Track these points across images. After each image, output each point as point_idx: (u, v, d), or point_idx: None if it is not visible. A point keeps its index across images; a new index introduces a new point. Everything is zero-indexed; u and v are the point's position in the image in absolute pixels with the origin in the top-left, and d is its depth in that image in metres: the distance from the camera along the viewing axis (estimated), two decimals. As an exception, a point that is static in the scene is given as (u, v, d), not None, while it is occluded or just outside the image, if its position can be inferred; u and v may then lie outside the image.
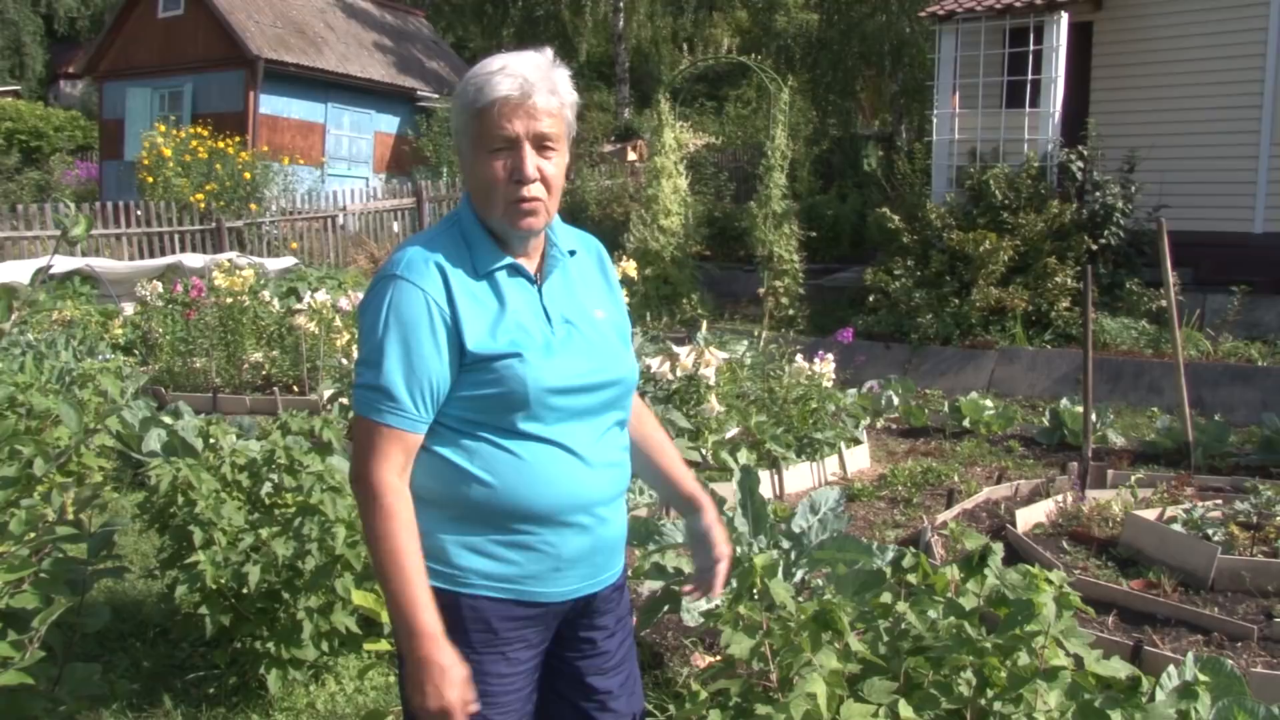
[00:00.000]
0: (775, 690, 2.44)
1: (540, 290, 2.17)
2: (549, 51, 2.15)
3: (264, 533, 3.92)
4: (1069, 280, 10.37)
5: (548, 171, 2.09)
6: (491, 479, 2.09)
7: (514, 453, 2.10)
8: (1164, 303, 7.97)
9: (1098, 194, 10.85)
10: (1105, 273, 10.74)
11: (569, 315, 2.19)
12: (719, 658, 3.27)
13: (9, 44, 36.56)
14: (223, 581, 3.83)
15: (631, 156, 21.44)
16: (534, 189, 2.07)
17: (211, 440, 4.46)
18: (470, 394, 2.09)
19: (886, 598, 2.64)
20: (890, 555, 3.55)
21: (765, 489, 6.26)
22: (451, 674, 1.98)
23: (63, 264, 11.26)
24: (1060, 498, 5.88)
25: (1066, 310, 10.39)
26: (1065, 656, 2.34)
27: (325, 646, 4.01)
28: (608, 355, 2.22)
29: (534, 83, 2.05)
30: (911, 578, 2.62)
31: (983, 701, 2.29)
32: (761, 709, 2.33)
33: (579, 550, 2.13)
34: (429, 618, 1.99)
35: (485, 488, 2.09)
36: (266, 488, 4.21)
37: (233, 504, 4.05)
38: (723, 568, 2.42)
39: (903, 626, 2.58)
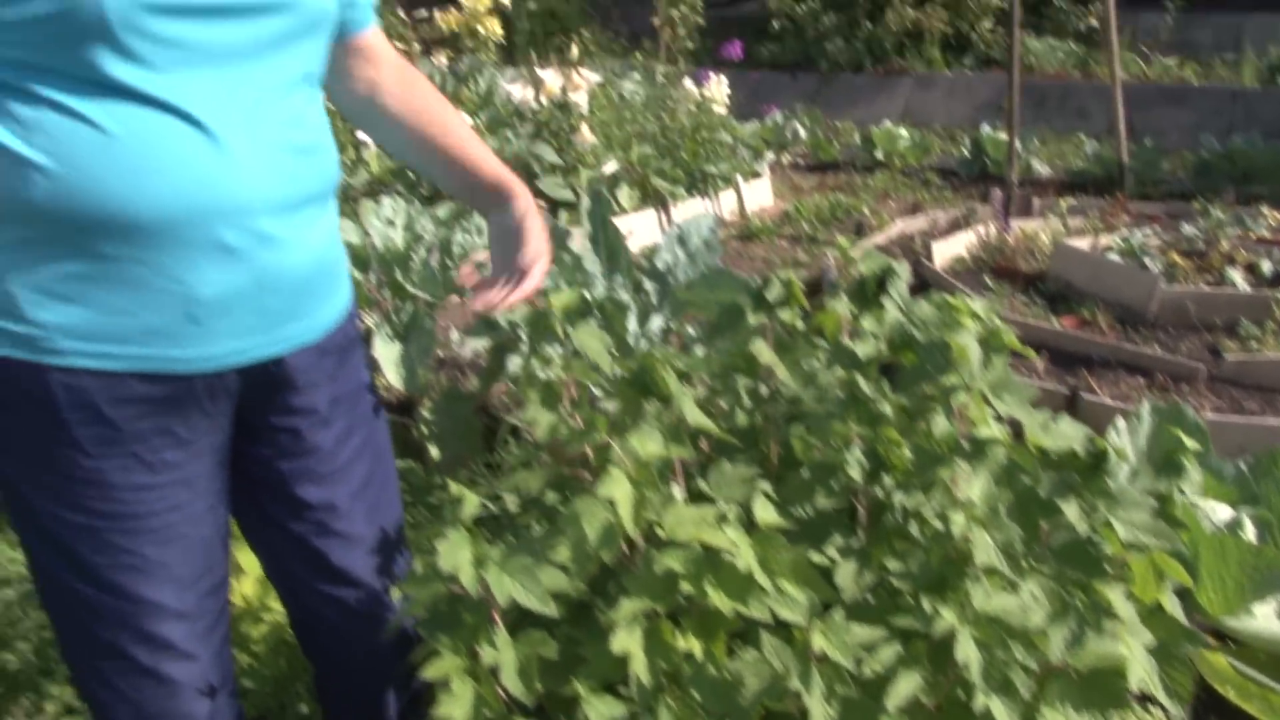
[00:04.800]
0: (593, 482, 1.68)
1: None
2: None
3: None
4: (991, -2, 9.45)
5: None
6: (55, 165, 1.19)
7: (92, 121, 1.20)
8: (1094, 21, 7.11)
9: (1026, -101, 9.78)
10: (1032, -11, 9.83)
11: None
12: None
13: None
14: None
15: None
16: None
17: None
18: (9, 15, 1.17)
19: (759, 350, 1.84)
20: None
21: (654, 231, 5.45)
22: None
23: None
24: (982, 229, 5.16)
25: (989, 31, 9.50)
26: (995, 423, 1.61)
27: None
28: None
29: None
30: (785, 315, 1.81)
31: (879, 491, 1.56)
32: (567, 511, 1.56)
33: (227, 287, 1.28)
34: None
35: (48, 180, 1.19)
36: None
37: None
38: (538, 269, 1.67)
39: (774, 388, 1.81)
